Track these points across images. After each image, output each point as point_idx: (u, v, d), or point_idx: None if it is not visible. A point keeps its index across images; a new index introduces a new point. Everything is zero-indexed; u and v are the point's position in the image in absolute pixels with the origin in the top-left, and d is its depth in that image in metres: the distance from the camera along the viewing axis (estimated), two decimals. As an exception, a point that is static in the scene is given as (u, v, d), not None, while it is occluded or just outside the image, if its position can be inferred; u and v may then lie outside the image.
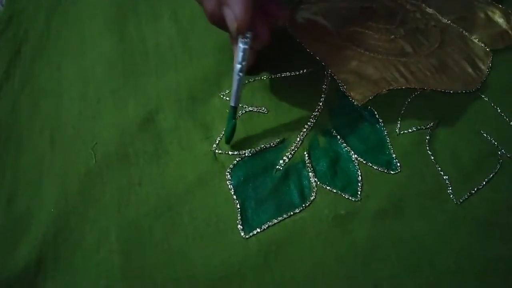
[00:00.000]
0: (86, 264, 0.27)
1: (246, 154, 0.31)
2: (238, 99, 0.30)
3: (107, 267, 0.26)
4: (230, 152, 0.31)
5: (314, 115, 0.33)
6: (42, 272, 0.27)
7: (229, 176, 0.30)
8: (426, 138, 0.33)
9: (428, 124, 0.33)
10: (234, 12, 0.27)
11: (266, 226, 0.28)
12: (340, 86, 0.35)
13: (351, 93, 0.35)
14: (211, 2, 0.28)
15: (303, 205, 0.29)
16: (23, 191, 0.30)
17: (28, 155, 0.32)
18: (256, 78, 0.36)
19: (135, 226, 0.28)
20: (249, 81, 0.35)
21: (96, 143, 0.32)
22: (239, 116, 0.33)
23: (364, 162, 0.31)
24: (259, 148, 0.31)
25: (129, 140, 0.32)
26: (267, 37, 0.31)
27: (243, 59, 0.29)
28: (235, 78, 0.29)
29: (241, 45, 0.28)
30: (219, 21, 0.29)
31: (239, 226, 0.28)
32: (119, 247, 0.27)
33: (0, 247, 0.28)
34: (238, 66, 0.29)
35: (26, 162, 0.32)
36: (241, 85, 0.30)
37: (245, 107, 0.34)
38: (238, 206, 0.29)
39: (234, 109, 0.30)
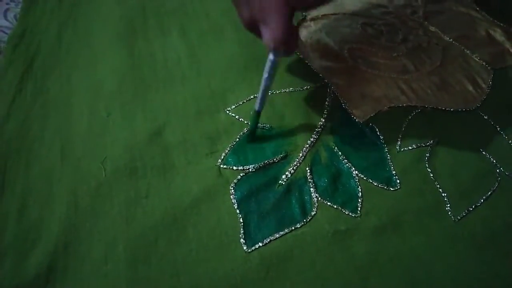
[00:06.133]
0: (94, 274, 0.27)
1: (250, 170, 0.32)
2: (262, 105, 0.31)
3: (114, 278, 0.27)
4: (234, 167, 0.32)
5: (317, 131, 0.34)
6: (51, 281, 0.28)
7: (232, 190, 0.31)
8: (426, 156, 0.33)
9: (428, 142, 0.34)
10: (272, 33, 0.26)
11: (268, 240, 0.28)
12: (342, 103, 0.36)
13: (353, 110, 0.35)
14: (246, 12, 0.28)
15: (304, 220, 0.29)
16: (34, 201, 0.31)
17: (38, 166, 0.33)
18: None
19: (142, 238, 0.29)
20: (254, 97, 0.36)
21: (106, 157, 0.33)
22: (243, 133, 0.34)
23: (364, 178, 0.32)
24: (262, 163, 0.32)
25: (137, 154, 0.33)
26: (294, 47, 0.29)
27: (272, 70, 0.29)
28: (262, 84, 0.30)
29: (271, 57, 0.28)
30: (254, 30, 0.29)
31: (241, 240, 0.29)
32: (126, 259, 0.28)
33: (12, 255, 0.29)
34: (266, 75, 0.29)
35: (37, 173, 0.33)
36: (267, 92, 0.30)
37: (249, 124, 0.34)
38: (241, 220, 0.29)
39: (257, 113, 0.32)
